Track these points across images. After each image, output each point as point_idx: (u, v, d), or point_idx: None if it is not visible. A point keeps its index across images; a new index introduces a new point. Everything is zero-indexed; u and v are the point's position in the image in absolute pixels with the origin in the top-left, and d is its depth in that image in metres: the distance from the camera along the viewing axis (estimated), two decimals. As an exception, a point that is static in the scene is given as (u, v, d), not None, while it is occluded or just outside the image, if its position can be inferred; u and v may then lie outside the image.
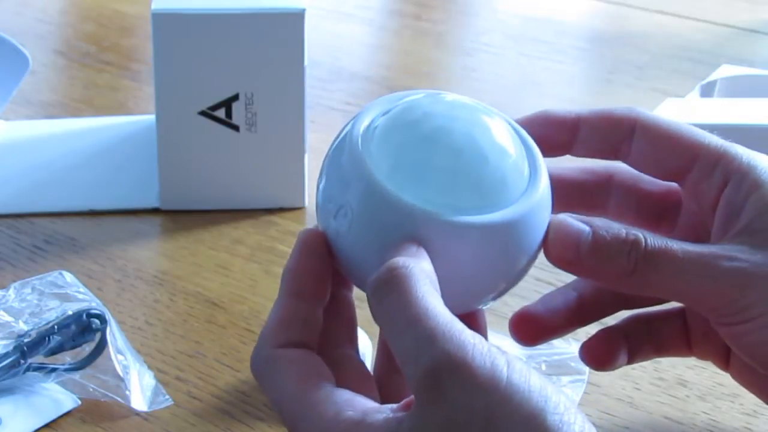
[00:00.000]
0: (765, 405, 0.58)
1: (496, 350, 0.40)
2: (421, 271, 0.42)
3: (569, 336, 0.61)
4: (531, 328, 0.51)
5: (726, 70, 0.91)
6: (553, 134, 0.49)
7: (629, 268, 0.46)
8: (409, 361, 0.40)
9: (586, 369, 0.60)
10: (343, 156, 0.45)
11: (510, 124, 0.47)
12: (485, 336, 0.46)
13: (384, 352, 0.48)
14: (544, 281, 0.68)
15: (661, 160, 0.49)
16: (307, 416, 0.42)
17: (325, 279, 0.46)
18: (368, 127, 0.46)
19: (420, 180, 0.44)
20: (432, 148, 0.44)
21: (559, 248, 0.46)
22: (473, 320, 0.46)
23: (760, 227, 0.46)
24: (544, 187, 0.46)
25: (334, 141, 0.47)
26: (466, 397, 0.39)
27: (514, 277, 0.46)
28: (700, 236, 0.48)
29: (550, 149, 0.49)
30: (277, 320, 0.45)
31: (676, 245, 0.46)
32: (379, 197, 0.44)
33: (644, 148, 0.49)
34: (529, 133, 0.48)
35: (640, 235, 0.46)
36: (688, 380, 0.60)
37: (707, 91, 0.88)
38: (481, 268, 0.45)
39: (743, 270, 0.46)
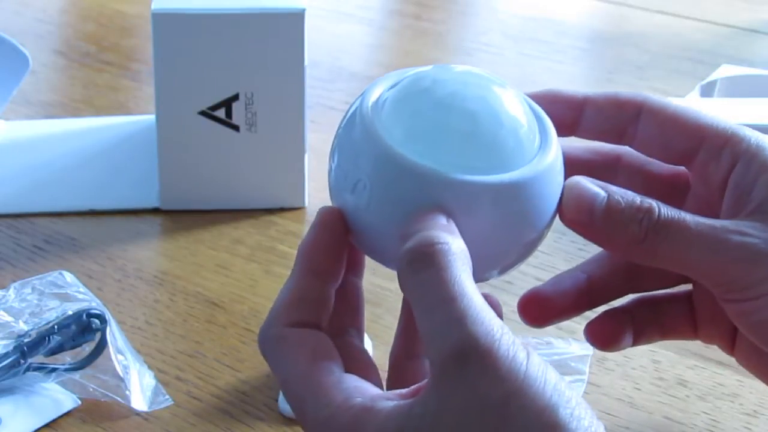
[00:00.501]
0: (765, 405, 0.58)
1: (519, 342, 0.40)
2: (459, 251, 0.42)
3: (569, 336, 0.61)
4: (539, 310, 0.51)
5: (726, 70, 0.91)
6: (559, 112, 0.49)
7: (640, 236, 0.46)
8: (435, 338, 0.40)
9: (586, 369, 0.60)
10: (354, 130, 0.46)
11: (520, 94, 0.48)
12: (500, 315, 0.47)
13: (402, 336, 0.48)
14: (543, 281, 0.68)
15: (667, 143, 0.49)
16: (315, 400, 0.42)
17: (341, 257, 0.46)
18: (377, 100, 0.46)
19: (435, 143, 0.44)
20: (445, 112, 0.45)
21: (574, 210, 0.46)
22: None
23: None
24: (556, 151, 0.46)
25: (343, 119, 0.47)
26: (485, 385, 0.39)
27: (529, 243, 0.46)
28: None
29: (556, 128, 0.49)
30: (289, 298, 0.45)
31: (689, 217, 0.46)
32: (395, 163, 0.44)
33: (650, 131, 0.49)
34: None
35: (654, 204, 0.46)
36: (688, 380, 0.60)
37: (707, 91, 0.88)
38: (499, 231, 0.45)
39: (754, 246, 0.46)
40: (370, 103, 0.46)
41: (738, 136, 0.48)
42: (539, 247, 0.47)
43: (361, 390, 0.42)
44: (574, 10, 1.25)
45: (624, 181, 0.51)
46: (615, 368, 0.61)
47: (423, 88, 0.46)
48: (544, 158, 0.46)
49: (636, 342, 0.52)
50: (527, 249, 0.46)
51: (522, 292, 0.67)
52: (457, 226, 0.43)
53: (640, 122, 0.49)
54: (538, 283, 0.68)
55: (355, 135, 0.45)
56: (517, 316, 0.53)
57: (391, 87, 0.47)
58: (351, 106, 0.47)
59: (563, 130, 0.50)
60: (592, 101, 0.50)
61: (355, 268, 0.48)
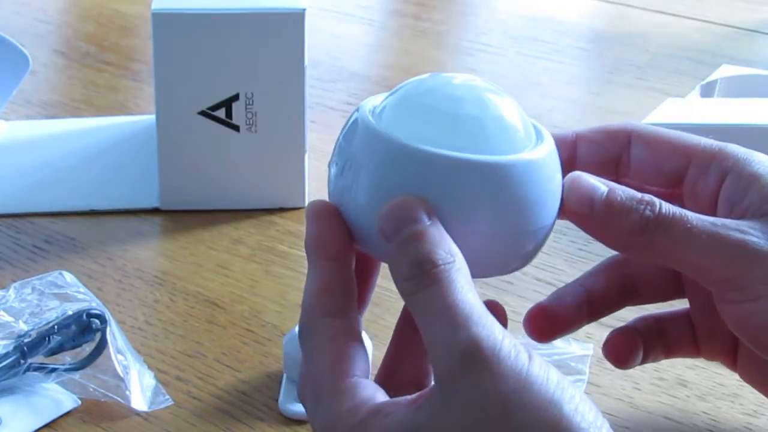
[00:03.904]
0: (765, 405, 0.58)
1: (520, 344, 0.41)
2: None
3: (569, 336, 0.61)
4: (546, 325, 0.53)
5: (726, 70, 0.91)
6: None
7: (640, 225, 0.46)
8: (438, 342, 0.41)
9: (587, 369, 0.60)
10: (348, 127, 0.46)
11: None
12: (505, 323, 0.47)
13: (396, 344, 0.49)
14: (543, 281, 0.69)
15: (658, 164, 0.50)
16: (327, 402, 0.43)
17: (346, 237, 0.46)
18: (376, 106, 0.47)
19: (427, 127, 0.45)
20: (442, 106, 0.45)
21: (574, 201, 0.47)
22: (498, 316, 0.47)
23: (766, 211, 0.47)
24: (551, 147, 0.47)
25: (341, 131, 0.47)
26: (488, 383, 0.40)
27: (537, 229, 0.46)
28: None
29: None
30: (316, 287, 0.45)
31: (690, 213, 0.47)
32: (383, 142, 0.44)
33: (641, 155, 0.50)
34: None
35: (656, 199, 0.47)
36: (688, 380, 0.60)
37: (707, 91, 0.88)
38: (496, 214, 0.45)
39: (754, 243, 0.46)
40: (367, 104, 0.47)
41: (724, 152, 0.49)
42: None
43: (372, 398, 0.43)
44: (574, 10, 1.25)
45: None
46: (615, 368, 0.61)
47: (418, 92, 0.46)
48: (539, 150, 0.46)
49: (644, 360, 0.53)
50: (539, 238, 0.46)
51: (522, 292, 0.67)
52: (462, 207, 0.44)
53: (631, 148, 0.50)
54: (539, 283, 0.68)
55: (348, 130, 0.46)
56: (517, 317, 0.54)
57: (390, 95, 0.47)
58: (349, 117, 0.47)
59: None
60: (583, 136, 0.51)
61: (359, 306, 0.49)
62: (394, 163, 0.44)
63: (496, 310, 0.47)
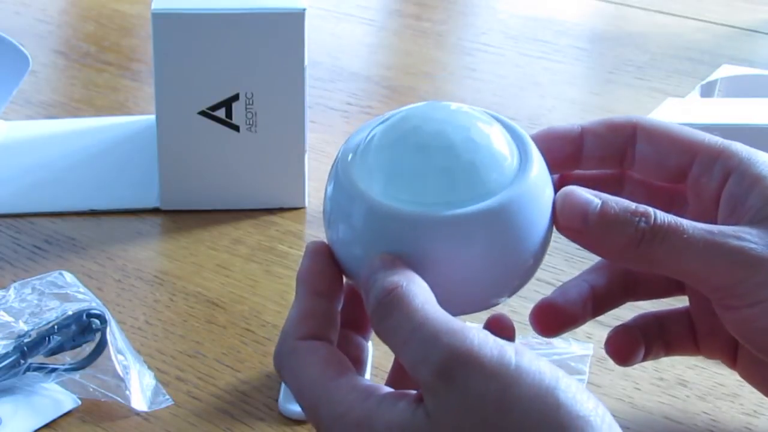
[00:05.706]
0: (765, 405, 0.58)
1: (503, 341, 0.41)
2: (416, 286, 0.43)
3: (569, 336, 0.61)
4: (552, 319, 0.52)
5: (726, 70, 0.91)
6: (560, 148, 0.50)
7: (636, 238, 0.46)
8: (418, 363, 0.41)
9: (587, 369, 0.60)
10: (334, 174, 0.47)
11: (497, 120, 0.47)
12: (513, 335, 0.47)
13: (393, 371, 0.49)
14: (543, 281, 0.68)
15: (662, 160, 0.50)
16: (329, 401, 0.43)
17: (339, 279, 0.47)
18: (358, 144, 0.47)
19: (404, 184, 0.45)
20: (409, 152, 0.45)
21: (567, 217, 0.47)
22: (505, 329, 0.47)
23: (766, 215, 0.47)
24: (537, 168, 0.46)
25: (332, 166, 0.48)
26: (478, 384, 0.40)
27: (527, 260, 0.46)
28: None
29: (559, 164, 0.49)
30: (298, 315, 0.46)
31: (686, 222, 0.47)
32: (373, 210, 0.45)
33: (646, 149, 0.50)
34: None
35: (650, 209, 0.47)
36: (688, 380, 0.60)
37: (707, 91, 0.88)
38: (488, 256, 0.45)
39: (752, 250, 0.46)
40: (350, 144, 0.47)
41: (729, 151, 0.49)
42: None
43: (374, 388, 0.43)
44: (574, 10, 1.25)
45: (629, 193, 0.52)
46: (615, 368, 0.61)
47: (395, 132, 0.46)
48: (522, 179, 0.45)
49: (644, 358, 0.53)
50: (528, 267, 0.46)
51: (522, 292, 0.67)
52: (438, 260, 0.44)
53: (636, 142, 0.50)
54: (539, 283, 0.68)
55: (334, 176, 0.47)
56: (517, 317, 0.54)
57: (369, 133, 0.47)
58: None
59: (567, 164, 0.51)
60: (588, 130, 0.51)
61: (363, 329, 0.49)
62: (372, 221, 0.45)
63: (502, 323, 0.47)
